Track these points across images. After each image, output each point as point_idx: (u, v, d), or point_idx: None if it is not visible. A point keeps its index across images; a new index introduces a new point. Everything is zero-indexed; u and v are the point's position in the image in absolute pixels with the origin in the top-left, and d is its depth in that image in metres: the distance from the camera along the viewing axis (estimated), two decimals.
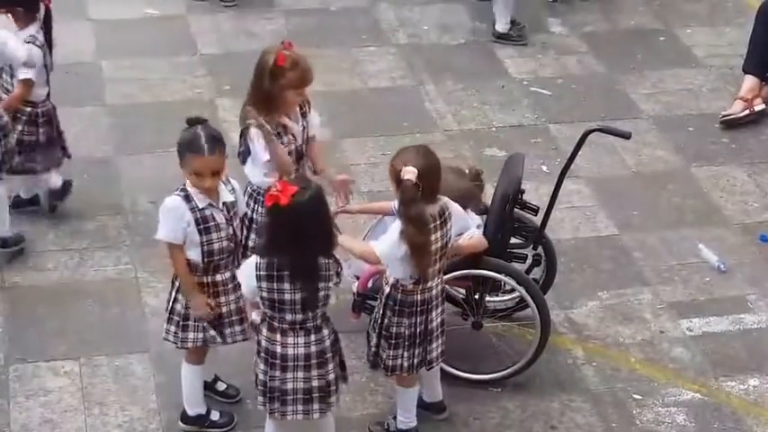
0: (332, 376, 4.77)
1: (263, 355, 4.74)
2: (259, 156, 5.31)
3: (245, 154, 5.38)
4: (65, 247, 6.35)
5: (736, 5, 9.05)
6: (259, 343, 4.76)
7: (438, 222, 4.85)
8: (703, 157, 7.35)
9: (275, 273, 4.54)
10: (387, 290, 4.97)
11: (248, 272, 4.63)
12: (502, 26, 8.36)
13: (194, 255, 4.97)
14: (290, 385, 4.72)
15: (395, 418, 5.25)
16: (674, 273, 6.38)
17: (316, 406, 4.77)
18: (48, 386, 5.50)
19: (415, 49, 8.34)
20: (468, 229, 5.11)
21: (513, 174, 5.50)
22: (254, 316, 5.43)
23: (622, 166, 7.25)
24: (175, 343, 5.15)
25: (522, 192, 5.56)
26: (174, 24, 8.38)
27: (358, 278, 5.43)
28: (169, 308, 5.12)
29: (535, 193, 6.45)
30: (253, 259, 4.63)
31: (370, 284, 5.32)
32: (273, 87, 5.26)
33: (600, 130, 5.75)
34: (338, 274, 4.66)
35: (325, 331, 4.73)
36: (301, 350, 4.68)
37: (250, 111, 5.33)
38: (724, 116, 7.64)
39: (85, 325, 5.85)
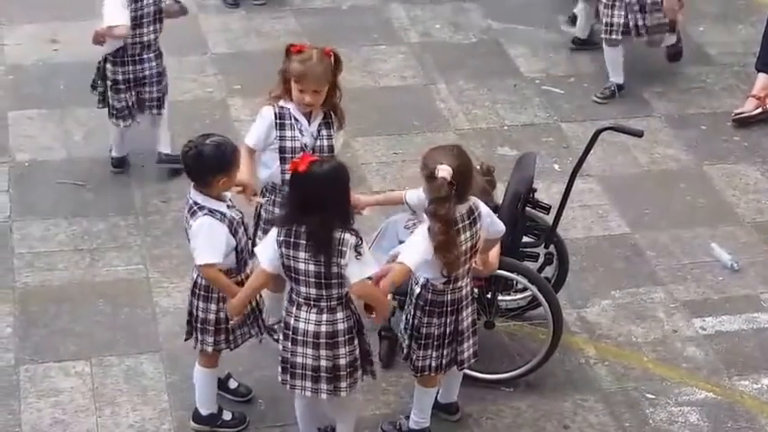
0: (342, 361, 4.76)
1: (282, 327, 4.82)
2: (253, 128, 5.32)
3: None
4: (76, 247, 6.35)
5: (749, 4, 9.01)
6: (282, 316, 4.86)
7: (467, 222, 4.82)
8: (716, 156, 7.32)
9: (292, 239, 4.61)
10: (417, 290, 4.93)
11: (267, 240, 4.70)
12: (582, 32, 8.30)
13: (230, 260, 4.98)
14: (299, 359, 4.77)
15: (407, 417, 5.23)
16: (686, 271, 6.35)
17: (324, 386, 4.78)
18: (59, 386, 5.49)
19: (427, 47, 8.32)
20: (498, 230, 5.07)
21: (524, 172, 5.48)
22: (271, 320, 5.41)
23: (635, 165, 7.22)
24: (228, 347, 5.13)
25: (534, 190, 5.54)
26: (184, 23, 8.35)
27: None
28: (205, 320, 5.04)
29: (547, 191, 6.43)
30: (273, 231, 4.68)
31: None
32: (286, 71, 5.22)
33: (612, 128, 5.73)
34: (358, 251, 4.60)
35: (340, 314, 4.72)
36: (311, 327, 4.71)
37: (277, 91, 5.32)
38: (736, 114, 7.61)
39: (96, 325, 5.85)
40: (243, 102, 7.61)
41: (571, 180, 5.58)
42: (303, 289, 4.69)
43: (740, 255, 6.46)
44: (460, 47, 8.37)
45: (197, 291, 5.04)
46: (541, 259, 5.68)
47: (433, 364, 5.01)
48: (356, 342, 4.81)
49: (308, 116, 5.29)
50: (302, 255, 4.62)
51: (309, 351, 4.75)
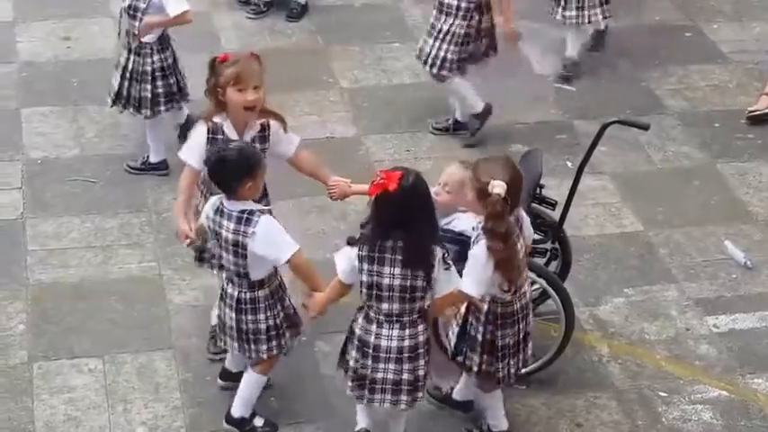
0: (422, 372, 4.77)
1: (356, 343, 4.78)
2: (189, 147, 5.29)
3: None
4: (89, 245, 6.36)
5: (763, 1, 8.97)
6: (352, 332, 4.81)
7: (518, 231, 4.82)
8: (729, 154, 7.29)
9: (377, 254, 4.58)
10: (485, 307, 4.90)
11: (344, 253, 4.70)
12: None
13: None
14: (380, 375, 4.76)
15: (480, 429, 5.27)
16: (700, 269, 6.33)
17: (404, 397, 4.79)
18: (71, 383, 5.51)
19: None
20: (532, 234, 5.09)
21: (532, 169, 5.46)
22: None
23: (648, 163, 7.20)
24: (282, 352, 5.12)
25: (542, 187, 5.52)
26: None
27: None
28: (257, 330, 5.02)
29: (558, 188, 6.38)
30: (348, 248, 4.67)
31: None
32: (215, 86, 5.21)
33: (618, 121, 5.71)
34: (446, 262, 4.60)
35: (420, 327, 4.72)
36: (394, 343, 4.70)
37: (209, 110, 5.30)
38: (750, 112, 7.58)
39: (109, 322, 5.86)
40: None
41: (578, 175, 5.57)
42: (386, 305, 4.65)
43: (754, 252, 6.44)
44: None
45: (243, 306, 4.96)
46: (547, 254, 5.67)
47: (512, 371, 5.04)
48: (429, 352, 4.84)
49: (240, 133, 5.25)
50: (387, 270, 4.59)
51: (392, 366, 4.74)
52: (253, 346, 5.05)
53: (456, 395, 5.36)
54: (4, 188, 6.75)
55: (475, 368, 5.02)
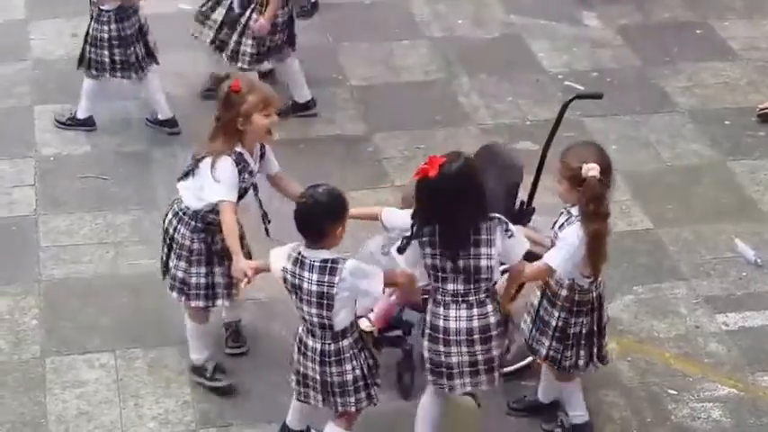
0: (495, 353, 4.76)
1: (427, 331, 4.76)
2: (227, 187, 5.04)
3: (191, 173, 5.15)
4: (101, 241, 6.39)
5: None
6: (424, 321, 4.79)
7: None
8: (739, 151, 7.29)
9: (437, 238, 4.60)
10: (564, 293, 4.92)
11: (409, 251, 4.68)
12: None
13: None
14: (454, 359, 4.73)
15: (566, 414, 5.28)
16: (709, 267, 6.34)
17: (483, 377, 4.79)
18: (83, 378, 5.54)
19: (449, 42, 8.32)
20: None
21: (513, 166, 5.45)
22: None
23: (657, 160, 7.21)
24: (371, 403, 4.91)
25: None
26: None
27: (370, 318, 5.31)
28: (343, 382, 4.81)
29: None
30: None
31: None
32: (236, 116, 5.03)
33: (576, 97, 5.66)
34: (508, 229, 4.60)
35: (490, 307, 4.71)
36: (463, 324, 4.68)
37: (213, 144, 5.09)
38: (761, 109, 7.58)
39: (121, 318, 5.89)
40: None
41: (543, 155, 5.54)
42: (450, 286, 4.66)
43: (764, 250, 6.43)
44: (483, 42, 8.37)
45: (327, 359, 4.75)
46: None
47: (581, 362, 5.04)
48: (505, 335, 4.83)
49: (253, 158, 5.19)
50: (449, 252, 4.59)
51: (464, 349, 4.71)
52: (339, 399, 4.82)
53: (541, 397, 5.35)
54: (17, 185, 6.79)
55: (543, 351, 5.02)
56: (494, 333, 4.74)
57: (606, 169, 4.78)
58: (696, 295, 6.14)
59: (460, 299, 4.68)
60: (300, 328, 4.83)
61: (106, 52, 6.90)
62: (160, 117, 7.22)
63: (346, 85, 7.82)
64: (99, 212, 6.59)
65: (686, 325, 5.95)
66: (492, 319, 4.73)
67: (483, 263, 4.62)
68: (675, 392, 5.56)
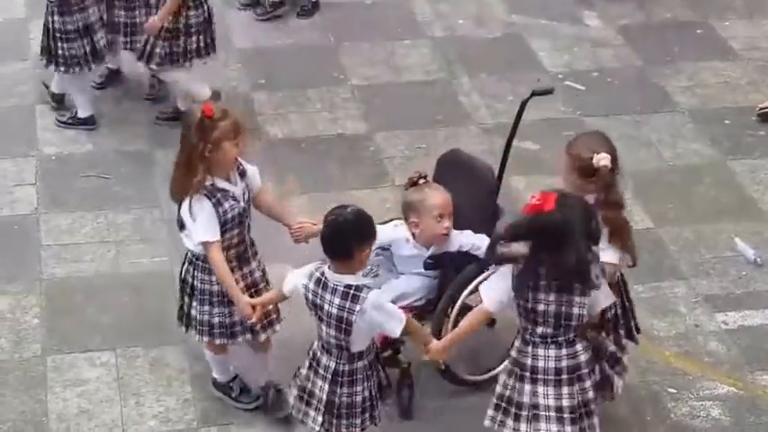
0: (590, 395, 4.60)
1: (510, 366, 4.61)
2: (205, 226, 4.90)
3: (181, 222, 5.04)
4: (102, 240, 6.41)
5: None
6: (509, 357, 4.66)
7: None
8: (740, 151, 7.30)
9: (533, 281, 4.45)
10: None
11: (496, 283, 4.56)
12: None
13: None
14: (540, 400, 4.55)
15: None
16: (709, 266, 6.35)
17: (567, 428, 4.56)
18: (84, 377, 5.56)
19: (450, 42, 8.33)
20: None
21: (485, 170, 5.40)
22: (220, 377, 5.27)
23: (658, 159, 7.22)
24: (374, 423, 4.80)
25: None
26: None
27: None
28: (351, 404, 4.70)
29: None
30: (504, 273, 4.52)
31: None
32: (205, 143, 4.79)
33: (532, 95, 5.61)
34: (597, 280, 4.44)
35: (579, 346, 4.57)
36: (551, 363, 4.53)
37: (184, 180, 4.89)
38: (761, 109, 7.58)
39: (122, 316, 5.91)
40: (267, 96, 7.65)
41: (506, 152, 5.54)
42: (540, 329, 4.52)
43: (764, 249, 6.44)
44: (484, 41, 8.38)
45: (340, 378, 4.66)
46: None
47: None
48: (597, 369, 4.68)
49: (229, 178, 4.98)
50: (542, 296, 4.45)
51: (551, 391, 4.54)
52: (345, 421, 4.70)
53: None
54: (18, 184, 6.81)
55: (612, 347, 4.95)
56: (584, 372, 4.57)
57: (615, 157, 4.79)
58: (696, 294, 6.16)
59: (549, 339, 4.55)
60: (316, 344, 4.74)
61: (53, 43, 6.94)
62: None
63: (347, 84, 7.83)
64: (100, 211, 6.61)
65: (686, 324, 5.96)
66: (582, 358, 4.57)
67: (575, 311, 4.49)
68: (675, 391, 5.57)
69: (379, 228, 4.99)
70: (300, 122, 7.43)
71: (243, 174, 5.05)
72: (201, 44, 7.04)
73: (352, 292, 4.52)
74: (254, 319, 4.96)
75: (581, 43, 8.35)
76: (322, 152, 7.17)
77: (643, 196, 6.86)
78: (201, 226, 4.91)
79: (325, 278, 4.57)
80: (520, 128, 7.38)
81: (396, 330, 4.58)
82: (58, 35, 6.91)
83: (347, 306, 4.52)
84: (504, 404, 4.64)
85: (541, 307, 4.48)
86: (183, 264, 5.18)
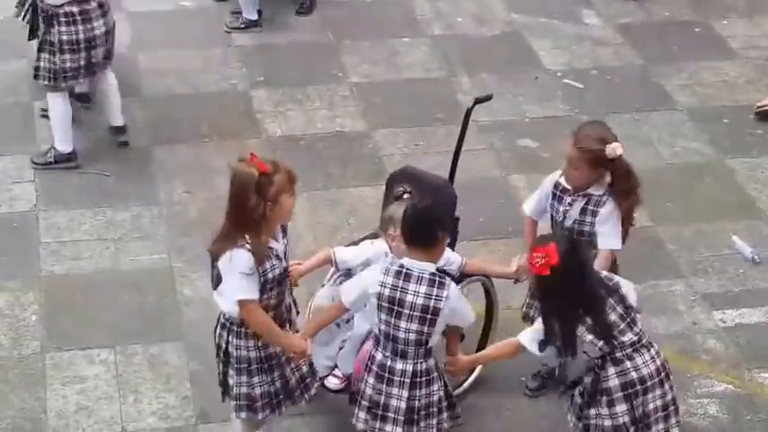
0: (670, 396, 4.68)
1: (616, 395, 4.56)
2: (243, 284, 4.51)
3: (218, 277, 4.62)
4: (101, 237, 6.42)
5: None
6: (606, 389, 4.57)
7: None
8: (738, 149, 7.31)
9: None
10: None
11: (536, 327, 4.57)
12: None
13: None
14: (651, 405, 4.60)
15: None
16: (707, 264, 6.36)
17: (673, 420, 4.67)
18: (83, 374, 5.56)
19: (450, 40, 8.34)
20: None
21: (443, 184, 5.37)
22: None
23: (657, 158, 7.22)
24: (460, 423, 4.82)
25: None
26: (208, 16, 8.42)
27: (337, 374, 5.14)
28: (440, 398, 4.71)
29: None
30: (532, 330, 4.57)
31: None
32: (265, 201, 4.44)
33: (475, 103, 5.64)
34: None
35: (653, 350, 4.66)
36: (652, 366, 4.60)
37: (235, 235, 4.49)
38: (759, 108, 7.59)
39: (121, 314, 5.92)
40: (266, 94, 7.66)
41: (455, 158, 5.55)
42: (625, 338, 4.55)
43: (761, 248, 6.45)
44: (483, 39, 8.38)
45: (418, 379, 4.62)
46: None
47: None
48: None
49: (275, 235, 4.67)
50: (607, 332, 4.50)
51: (658, 392, 4.62)
52: (423, 423, 4.65)
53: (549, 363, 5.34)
54: (17, 181, 6.81)
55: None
56: (668, 368, 4.68)
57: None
58: (694, 292, 6.16)
59: (638, 345, 4.58)
60: (380, 356, 4.64)
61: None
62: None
63: (347, 82, 7.84)
64: (99, 209, 6.62)
65: (684, 322, 5.97)
66: (659, 361, 4.65)
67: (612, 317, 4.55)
68: None
69: (357, 247, 5.05)
70: (300, 120, 7.44)
71: (285, 229, 4.71)
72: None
73: (437, 279, 4.53)
74: (308, 351, 4.72)
75: (581, 42, 8.35)
76: (321, 149, 7.18)
77: (642, 194, 6.85)
78: (242, 282, 4.51)
79: (407, 269, 4.53)
80: (519, 125, 7.47)
81: (470, 318, 4.67)
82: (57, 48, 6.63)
83: (434, 293, 4.51)
84: (634, 423, 4.59)
85: (612, 318, 4.50)
86: (216, 327, 4.79)
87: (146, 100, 7.56)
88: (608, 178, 5.01)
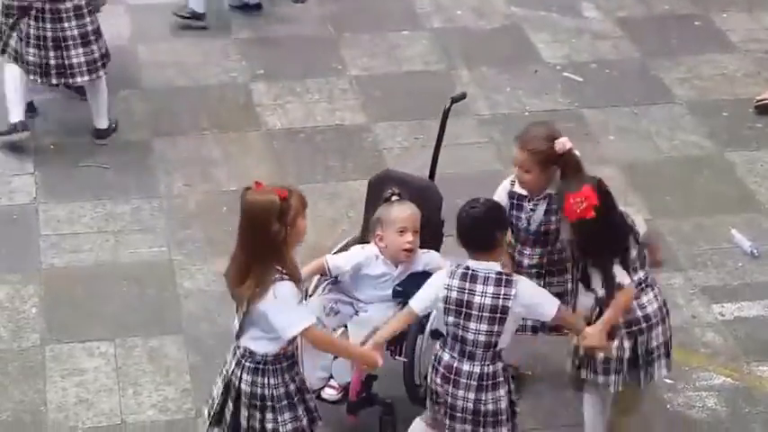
0: (669, 334, 4.97)
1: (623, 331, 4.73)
2: (301, 311, 4.41)
3: (249, 324, 4.44)
4: (100, 230, 6.42)
5: None
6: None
7: None
8: (737, 143, 7.31)
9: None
10: None
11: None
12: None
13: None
14: (654, 343, 4.83)
15: None
16: (706, 258, 6.36)
17: (668, 359, 4.96)
18: (83, 366, 5.57)
19: (450, 33, 8.34)
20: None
21: (428, 186, 5.36)
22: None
23: (656, 151, 7.22)
24: None
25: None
26: (208, 8, 8.41)
27: (333, 385, 5.02)
28: (507, 405, 4.64)
29: None
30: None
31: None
32: (285, 226, 4.33)
33: (452, 103, 5.62)
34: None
35: (656, 288, 4.86)
36: (655, 304, 4.82)
37: (263, 270, 4.33)
38: (759, 101, 7.59)
39: (121, 306, 5.92)
40: (266, 87, 7.66)
41: (435, 158, 5.54)
42: (635, 276, 4.72)
43: (761, 241, 6.46)
44: (483, 33, 8.38)
45: (485, 382, 4.57)
46: None
47: None
48: None
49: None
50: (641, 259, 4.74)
51: (660, 329, 4.85)
52: (491, 429, 4.61)
53: None
54: (17, 173, 6.82)
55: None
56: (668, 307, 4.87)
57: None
58: (693, 285, 6.17)
59: (644, 284, 4.71)
60: (447, 357, 4.61)
61: None
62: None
63: (346, 75, 7.84)
64: (99, 201, 6.62)
65: (683, 315, 5.97)
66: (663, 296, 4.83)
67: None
68: (672, 381, 5.58)
69: (348, 252, 5.03)
70: (299, 113, 7.44)
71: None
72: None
73: (504, 277, 4.51)
74: (380, 362, 4.65)
75: (580, 35, 8.35)
76: (321, 142, 7.18)
77: (640, 188, 6.87)
78: (297, 312, 4.38)
79: (473, 270, 4.52)
80: (519, 118, 7.46)
81: (552, 311, 4.56)
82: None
83: (502, 293, 4.49)
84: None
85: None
86: (240, 376, 4.48)
87: (146, 92, 7.57)
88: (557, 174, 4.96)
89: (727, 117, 7.55)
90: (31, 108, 7.16)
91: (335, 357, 4.98)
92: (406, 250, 5.07)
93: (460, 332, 4.55)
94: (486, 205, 4.60)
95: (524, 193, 5.03)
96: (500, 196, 5.08)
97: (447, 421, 4.67)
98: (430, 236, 5.23)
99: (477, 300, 4.50)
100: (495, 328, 4.51)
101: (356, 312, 5.09)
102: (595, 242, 4.55)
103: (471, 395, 4.57)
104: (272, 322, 4.34)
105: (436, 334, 4.95)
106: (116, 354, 5.64)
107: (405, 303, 4.90)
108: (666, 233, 6.54)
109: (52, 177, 6.79)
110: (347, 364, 4.94)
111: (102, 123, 7.04)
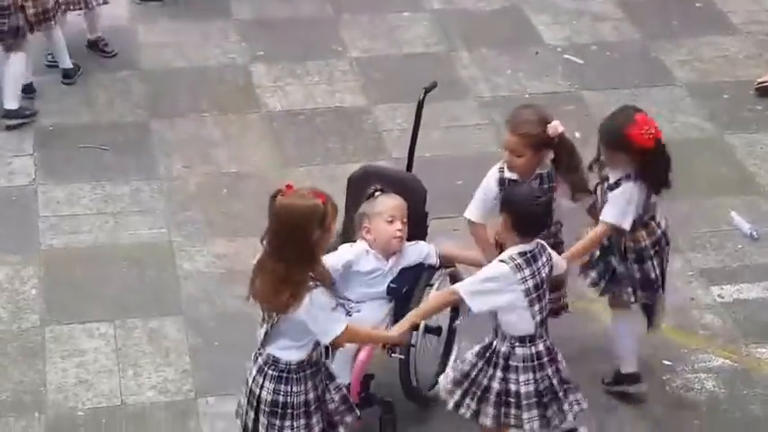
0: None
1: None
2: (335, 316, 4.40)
3: (278, 335, 4.41)
4: (100, 211, 6.43)
5: None
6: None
7: None
8: (738, 125, 7.30)
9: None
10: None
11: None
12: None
13: None
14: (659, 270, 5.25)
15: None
16: (705, 240, 6.37)
17: None
18: (83, 347, 5.58)
19: (450, 15, 8.32)
20: None
21: (411, 179, 5.32)
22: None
23: None
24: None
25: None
26: None
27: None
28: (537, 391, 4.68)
29: None
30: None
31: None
32: (323, 231, 4.24)
33: (426, 92, 5.58)
34: None
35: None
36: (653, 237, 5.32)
37: (297, 278, 4.23)
38: (759, 83, 7.58)
39: (120, 288, 5.93)
40: (265, 68, 7.65)
41: (412, 148, 5.53)
42: None
43: (760, 223, 6.46)
44: (483, 14, 8.36)
45: (545, 359, 4.66)
46: None
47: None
48: None
49: None
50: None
51: (656, 260, 5.28)
52: (513, 411, 4.58)
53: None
54: (16, 154, 6.82)
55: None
56: None
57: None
58: (692, 268, 6.18)
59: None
60: (541, 346, 4.63)
61: None
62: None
63: (346, 56, 7.82)
64: (98, 182, 6.62)
65: (682, 297, 5.98)
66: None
67: None
68: (670, 363, 5.59)
69: (337, 252, 4.94)
70: (299, 95, 7.43)
71: None
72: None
73: (541, 245, 4.65)
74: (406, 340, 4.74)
75: (580, 17, 8.33)
76: (320, 124, 7.18)
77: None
78: (334, 316, 4.36)
79: (530, 252, 4.57)
80: (519, 100, 7.42)
81: (564, 264, 4.89)
82: None
83: (553, 257, 4.71)
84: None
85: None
86: (261, 384, 4.43)
87: (145, 73, 7.56)
88: (550, 156, 4.96)
89: (728, 99, 7.55)
90: (30, 89, 7.15)
91: (333, 359, 4.89)
92: (397, 237, 5.02)
93: (545, 314, 4.65)
94: (544, 196, 4.77)
95: (515, 177, 4.98)
96: (490, 186, 5.01)
97: (511, 410, 4.61)
98: (415, 227, 5.17)
99: (544, 273, 4.63)
100: (555, 292, 4.88)
101: (348, 313, 4.97)
102: (649, 172, 4.99)
103: (500, 373, 4.61)
104: (312, 329, 4.28)
105: (432, 330, 4.98)
106: (116, 335, 5.65)
107: (398, 300, 4.93)
108: (666, 215, 6.52)
109: (51, 159, 6.79)
110: (347, 365, 4.90)
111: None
